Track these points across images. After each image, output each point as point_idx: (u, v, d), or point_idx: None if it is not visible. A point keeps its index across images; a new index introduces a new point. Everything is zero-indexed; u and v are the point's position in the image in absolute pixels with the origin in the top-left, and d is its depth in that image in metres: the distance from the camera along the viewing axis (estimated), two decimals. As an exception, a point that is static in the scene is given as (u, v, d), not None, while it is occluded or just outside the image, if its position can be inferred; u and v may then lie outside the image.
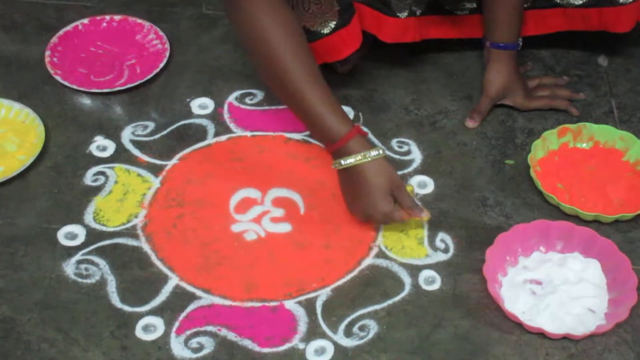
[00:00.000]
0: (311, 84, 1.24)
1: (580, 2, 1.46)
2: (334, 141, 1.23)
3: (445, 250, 1.30)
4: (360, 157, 1.23)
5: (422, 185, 1.38)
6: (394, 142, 1.45)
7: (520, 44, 1.46)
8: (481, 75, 1.50)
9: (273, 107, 1.50)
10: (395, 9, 1.40)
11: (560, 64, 1.59)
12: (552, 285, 1.24)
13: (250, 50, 1.28)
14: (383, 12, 1.40)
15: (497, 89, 1.47)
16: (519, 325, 1.20)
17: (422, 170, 1.41)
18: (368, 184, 1.24)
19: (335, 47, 1.38)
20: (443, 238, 1.31)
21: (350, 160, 1.23)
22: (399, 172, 1.39)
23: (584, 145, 1.43)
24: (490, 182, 1.39)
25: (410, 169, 1.41)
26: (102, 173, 1.38)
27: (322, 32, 1.36)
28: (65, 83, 1.49)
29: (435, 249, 1.30)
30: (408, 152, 1.43)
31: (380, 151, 1.23)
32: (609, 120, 1.49)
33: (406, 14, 1.42)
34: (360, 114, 1.47)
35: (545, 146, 1.41)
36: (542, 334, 1.19)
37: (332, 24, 1.36)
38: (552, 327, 1.19)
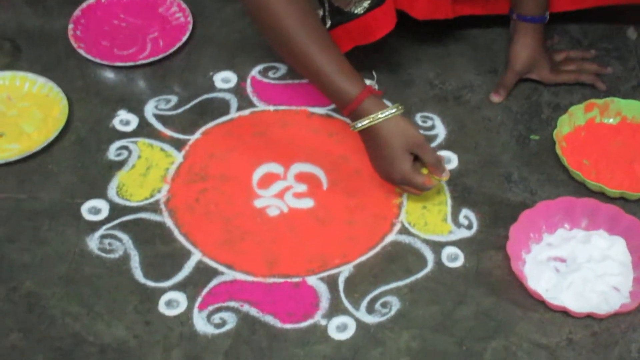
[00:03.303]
0: (318, 47, 1.24)
1: None
2: (348, 103, 1.24)
3: (469, 227, 1.29)
4: (372, 118, 1.23)
5: (446, 160, 1.37)
6: (418, 117, 1.44)
7: (548, 17, 1.44)
8: (507, 49, 1.48)
9: (296, 81, 1.49)
10: None
11: (587, 37, 1.56)
12: (576, 263, 1.23)
13: (254, 18, 1.28)
14: None
15: (522, 63, 1.45)
16: (542, 303, 1.19)
17: (446, 145, 1.40)
18: (385, 144, 1.24)
19: (369, 28, 1.37)
20: (467, 214, 1.30)
21: (364, 122, 1.23)
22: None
23: (611, 120, 1.41)
24: (515, 158, 1.38)
25: (434, 144, 1.40)
26: (126, 147, 1.38)
27: (355, 12, 1.35)
28: (88, 56, 1.49)
29: (458, 225, 1.29)
30: (432, 127, 1.42)
31: (395, 109, 1.23)
32: (637, 95, 1.47)
33: None
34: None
35: (572, 122, 1.39)
36: (565, 312, 1.18)
37: (366, 4, 1.34)
38: (576, 305, 1.18)
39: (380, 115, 1.23)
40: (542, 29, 1.45)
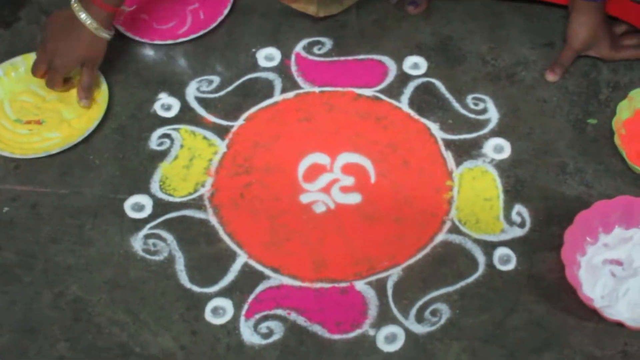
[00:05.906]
0: None
1: None
2: None
3: (522, 225, 1.25)
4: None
5: (498, 149, 1.32)
6: (469, 99, 1.38)
7: (609, -7, 1.36)
8: (564, 18, 1.40)
9: (342, 58, 1.43)
10: None
11: (650, 6, 1.48)
12: (633, 268, 1.19)
13: None
14: None
15: (581, 41, 1.37)
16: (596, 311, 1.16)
17: (498, 131, 1.34)
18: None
19: None
20: (519, 211, 1.26)
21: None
22: (474, 134, 1.33)
23: (675, 103, 1.34)
24: (571, 146, 1.32)
25: (486, 130, 1.34)
26: (168, 136, 1.34)
27: None
28: (128, 34, 1.44)
29: (511, 223, 1.25)
30: (484, 111, 1.36)
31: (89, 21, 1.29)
32: None
33: None
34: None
35: (632, 106, 1.33)
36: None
37: None
38: (632, 315, 1.15)
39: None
40: (603, 6, 1.36)
